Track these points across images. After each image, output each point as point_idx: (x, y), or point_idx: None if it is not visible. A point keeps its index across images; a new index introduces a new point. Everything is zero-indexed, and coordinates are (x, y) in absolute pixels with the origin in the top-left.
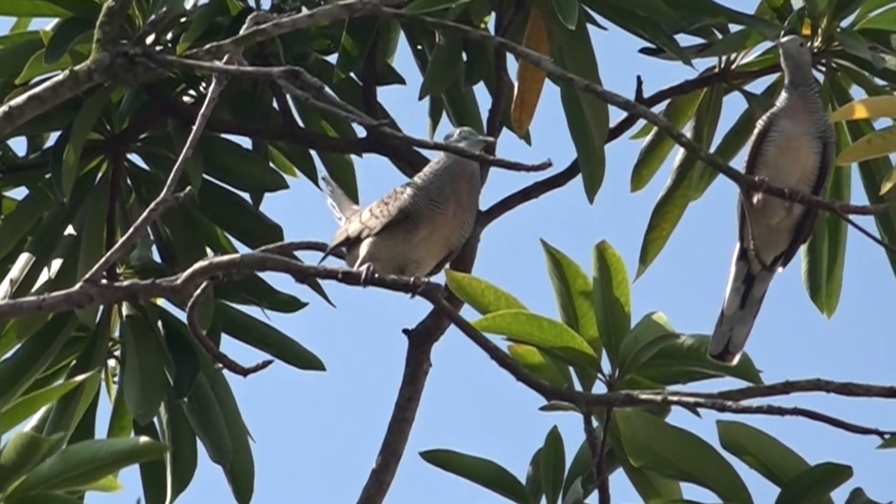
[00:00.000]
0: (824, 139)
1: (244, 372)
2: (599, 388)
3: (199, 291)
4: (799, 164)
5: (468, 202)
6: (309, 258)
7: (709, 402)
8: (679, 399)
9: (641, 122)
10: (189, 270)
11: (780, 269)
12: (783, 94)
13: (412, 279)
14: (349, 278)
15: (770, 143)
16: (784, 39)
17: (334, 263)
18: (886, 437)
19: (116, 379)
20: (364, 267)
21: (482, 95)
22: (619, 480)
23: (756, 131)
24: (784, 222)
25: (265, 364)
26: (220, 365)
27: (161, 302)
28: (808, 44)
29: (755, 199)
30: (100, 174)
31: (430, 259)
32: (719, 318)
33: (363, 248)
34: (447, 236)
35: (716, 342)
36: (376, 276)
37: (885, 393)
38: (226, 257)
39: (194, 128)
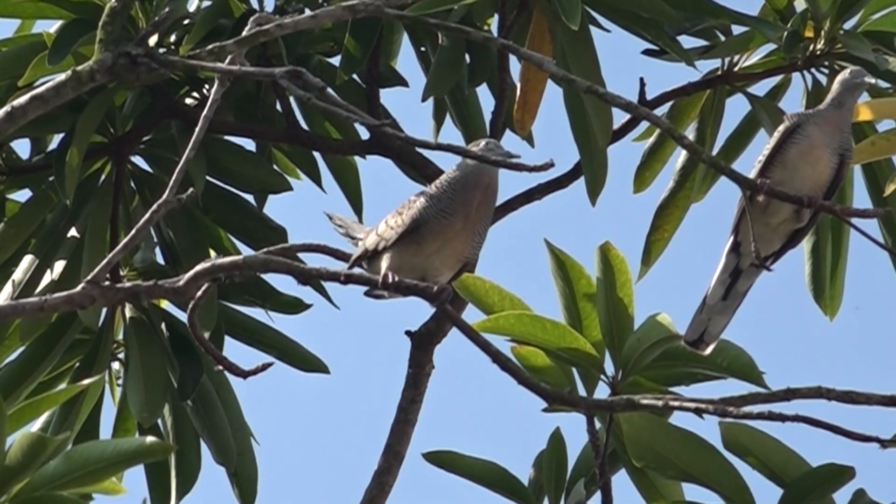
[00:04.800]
0: (843, 156)
1: (244, 374)
2: (602, 389)
3: (200, 293)
4: (816, 173)
5: (480, 214)
6: (312, 260)
7: (710, 408)
8: (681, 405)
9: (644, 124)
10: (191, 272)
11: (767, 270)
12: (823, 106)
13: (435, 287)
14: (368, 282)
15: (793, 145)
16: (862, 73)
17: (337, 266)
18: (886, 445)
19: (120, 381)
20: (384, 272)
21: (485, 97)
22: (621, 482)
23: (782, 128)
24: (785, 225)
25: (265, 367)
26: (221, 367)
27: (165, 304)
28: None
29: (760, 199)
30: (103, 176)
31: (445, 270)
32: (700, 305)
33: (384, 261)
34: (459, 250)
35: (692, 329)
36: (396, 279)
37: (885, 402)
38: (228, 259)
39: (197, 129)
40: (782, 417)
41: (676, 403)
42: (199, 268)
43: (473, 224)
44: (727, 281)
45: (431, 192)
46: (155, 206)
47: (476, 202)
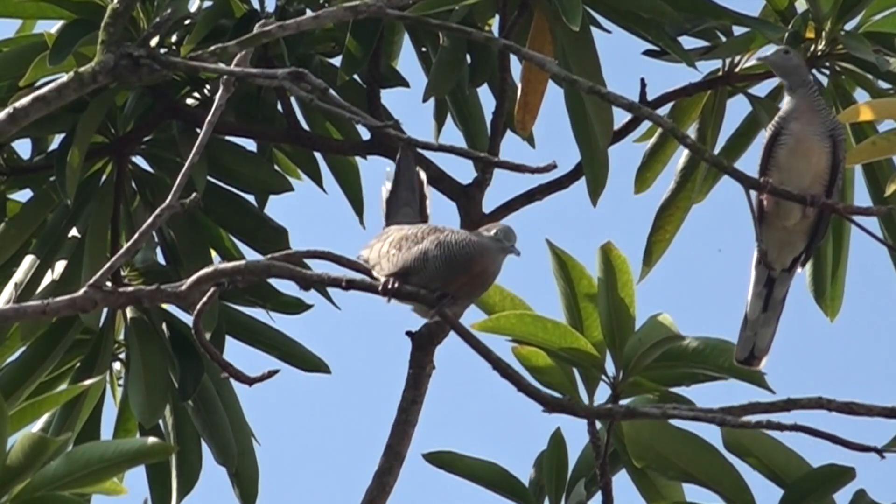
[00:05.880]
0: (834, 137)
1: (249, 381)
2: (603, 389)
3: (204, 299)
4: (811, 165)
5: (463, 294)
6: (314, 265)
7: (709, 417)
8: (679, 413)
9: (645, 125)
10: (194, 277)
11: (799, 270)
12: (786, 98)
13: (435, 293)
14: (369, 288)
15: (781, 147)
16: (767, 53)
17: (339, 271)
18: (885, 455)
19: (121, 382)
20: (384, 278)
21: (486, 98)
22: (622, 482)
23: (767, 136)
24: (800, 224)
25: (271, 374)
26: (226, 374)
27: (166, 304)
28: (802, 44)
29: (764, 202)
30: (104, 177)
31: None
32: (743, 323)
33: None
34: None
35: (741, 347)
36: (396, 285)
37: (886, 413)
38: (231, 264)
39: (201, 134)
40: (781, 427)
41: (675, 412)
42: (201, 273)
43: (453, 299)
44: (763, 292)
45: (424, 249)
46: (158, 211)
47: (459, 284)
